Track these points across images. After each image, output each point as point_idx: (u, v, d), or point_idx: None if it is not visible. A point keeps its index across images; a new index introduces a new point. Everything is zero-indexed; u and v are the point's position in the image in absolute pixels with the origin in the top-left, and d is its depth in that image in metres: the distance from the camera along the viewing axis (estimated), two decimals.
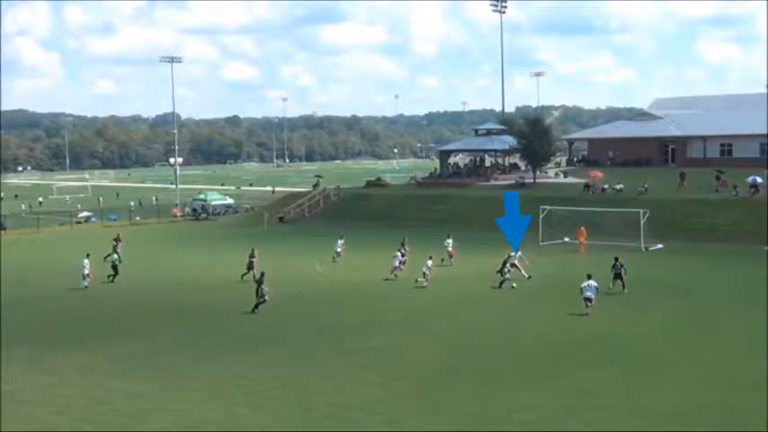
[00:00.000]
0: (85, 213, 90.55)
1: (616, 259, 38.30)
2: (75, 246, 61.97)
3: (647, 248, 51.17)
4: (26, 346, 29.94)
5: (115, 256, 45.82)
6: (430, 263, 41.72)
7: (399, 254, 44.75)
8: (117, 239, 53.16)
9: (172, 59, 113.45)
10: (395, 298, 38.38)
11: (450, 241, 48.77)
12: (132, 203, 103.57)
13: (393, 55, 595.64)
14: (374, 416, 21.52)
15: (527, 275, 41.77)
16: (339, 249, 51.11)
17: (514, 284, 39.62)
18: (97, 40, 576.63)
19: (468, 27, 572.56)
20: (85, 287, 41.94)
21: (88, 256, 43.42)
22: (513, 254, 42.48)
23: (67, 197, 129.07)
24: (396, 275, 43.05)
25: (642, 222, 52.67)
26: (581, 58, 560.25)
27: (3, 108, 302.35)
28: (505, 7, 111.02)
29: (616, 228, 54.36)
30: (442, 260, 47.12)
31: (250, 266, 43.02)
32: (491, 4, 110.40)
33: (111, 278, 43.94)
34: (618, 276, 37.74)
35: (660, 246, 52.05)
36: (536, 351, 28.05)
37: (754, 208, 59.46)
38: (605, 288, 36.40)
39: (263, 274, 36.43)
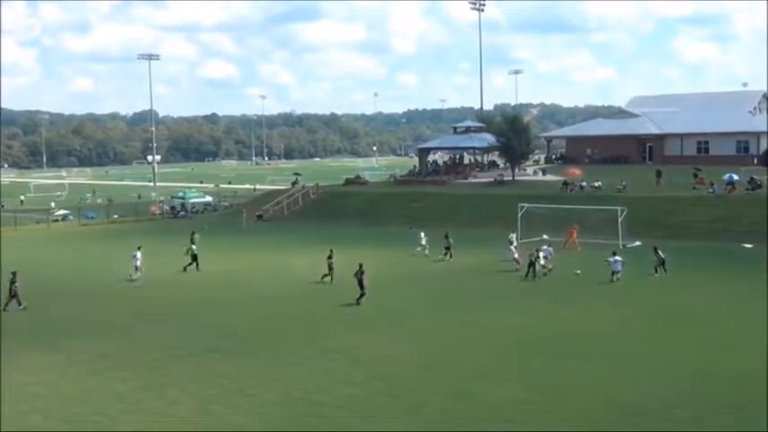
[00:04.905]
0: (62, 212, 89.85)
1: (656, 249, 41.99)
2: (53, 244, 61.75)
3: (624, 246, 51.39)
4: (3, 344, 29.61)
5: (193, 246, 48.16)
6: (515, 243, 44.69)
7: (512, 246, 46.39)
8: (194, 233, 54.09)
9: (150, 57, 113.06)
10: (376, 296, 38.28)
11: (450, 241, 49.33)
12: (99, 200, 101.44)
13: (372, 53, 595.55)
14: (354, 414, 21.47)
15: (518, 267, 43.55)
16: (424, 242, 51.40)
17: (578, 271, 41.74)
18: (74, 38, 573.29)
19: (446, 25, 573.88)
20: (135, 279, 43.22)
21: (140, 248, 44.89)
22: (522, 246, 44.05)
23: (57, 196, 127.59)
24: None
25: (620, 220, 52.91)
26: (559, 56, 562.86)
27: None
28: (484, 5, 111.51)
29: (594, 225, 54.55)
30: (449, 256, 48.53)
31: (330, 267, 41.58)
32: (469, 3, 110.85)
33: (187, 268, 46.10)
34: (662, 262, 41.36)
35: (638, 243, 52.30)
36: (518, 348, 28.09)
37: (731, 205, 60.00)
38: (641, 274, 40.46)
39: (361, 265, 36.40)
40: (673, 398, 22.09)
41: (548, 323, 31.81)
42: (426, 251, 50.56)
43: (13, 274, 36.91)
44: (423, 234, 51.92)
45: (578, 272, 41.24)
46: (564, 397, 22.44)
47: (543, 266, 41.92)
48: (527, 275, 41.33)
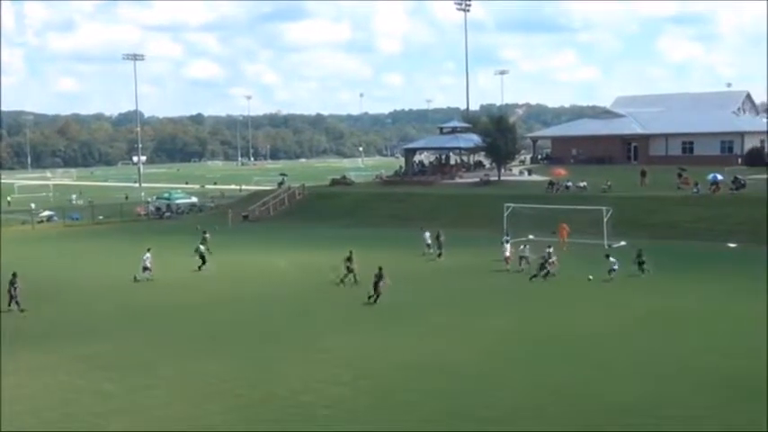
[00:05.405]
0: (47, 213, 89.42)
1: (639, 252, 41.82)
2: (39, 245, 61.47)
3: (609, 246, 51.60)
4: None
5: (202, 247, 48.53)
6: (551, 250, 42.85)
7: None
8: (205, 232, 54.61)
9: (134, 57, 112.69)
10: (363, 297, 38.36)
11: (442, 240, 49.60)
12: (80, 201, 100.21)
13: (357, 53, 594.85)
14: (342, 414, 21.56)
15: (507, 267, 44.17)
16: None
17: (590, 276, 40.74)
18: (58, 38, 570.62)
19: (432, 25, 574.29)
20: (147, 279, 43.14)
21: (149, 250, 44.79)
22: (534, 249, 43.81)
23: (43, 197, 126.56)
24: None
25: (605, 220, 53.15)
26: (544, 56, 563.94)
27: None
28: (469, 5, 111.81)
29: (580, 225, 54.78)
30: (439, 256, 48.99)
31: (349, 269, 41.43)
32: (455, 3, 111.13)
33: (199, 268, 46.43)
34: (641, 264, 41.34)
35: (623, 243, 52.53)
36: (509, 348, 28.23)
37: (715, 205, 60.38)
38: (628, 274, 40.49)
39: (380, 269, 36.43)
40: (665, 398, 22.26)
41: (540, 323, 31.93)
42: (432, 250, 50.69)
43: (14, 275, 36.78)
44: (428, 234, 51.90)
45: (591, 277, 40.74)
46: (556, 397, 22.55)
47: (553, 263, 41.94)
48: (534, 276, 41.01)
